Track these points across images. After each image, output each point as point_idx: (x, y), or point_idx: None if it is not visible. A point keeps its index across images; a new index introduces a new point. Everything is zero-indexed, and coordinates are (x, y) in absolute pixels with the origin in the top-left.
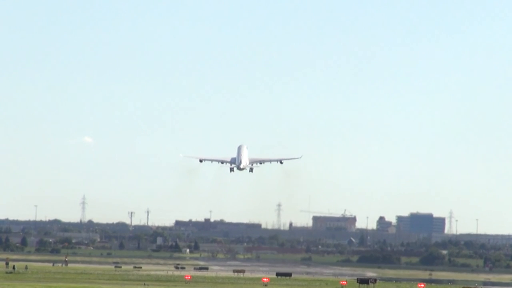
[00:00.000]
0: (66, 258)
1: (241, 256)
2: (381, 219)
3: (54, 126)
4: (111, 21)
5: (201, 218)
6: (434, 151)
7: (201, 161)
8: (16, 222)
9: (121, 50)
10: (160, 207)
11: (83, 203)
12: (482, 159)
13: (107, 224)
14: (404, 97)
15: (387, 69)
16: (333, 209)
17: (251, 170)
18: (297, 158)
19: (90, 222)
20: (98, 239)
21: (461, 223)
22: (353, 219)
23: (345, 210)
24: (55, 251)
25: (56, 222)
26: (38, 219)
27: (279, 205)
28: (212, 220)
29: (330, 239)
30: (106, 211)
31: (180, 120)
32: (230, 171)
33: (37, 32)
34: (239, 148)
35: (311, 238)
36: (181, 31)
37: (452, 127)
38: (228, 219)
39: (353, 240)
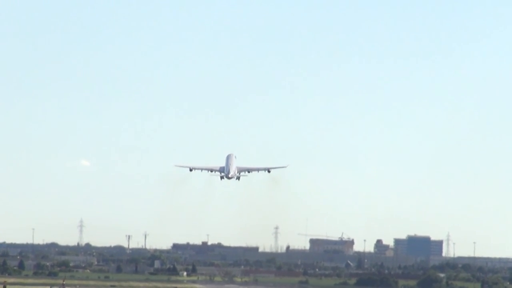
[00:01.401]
0: (63, 281)
1: (239, 279)
2: (379, 242)
3: (51, 150)
4: (105, 45)
5: (198, 242)
6: (431, 174)
7: (191, 170)
8: (14, 246)
9: (115, 74)
10: (158, 230)
11: (81, 226)
12: (479, 182)
13: (105, 247)
14: (401, 120)
15: (384, 93)
16: (331, 232)
17: (237, 178)
18: (284, 167)
19: (87, 245)
20: (96, 262)
21: (459, 246)
22: (351, 242)
23: (342, 233)
24: (52, 275)
25: (53, 245)
26: (35, 242)
27: (276, 228)
28: (209, 243)
29: (327, 262)
30: (104, 234)
31: (172, 130)
32: (221, 179)
33: (35, 55)
34: (228, 157)
35: (308, 261)
36: (171, 42)
37: (449, 150)
38: (225, 242)
39: (351, 263)
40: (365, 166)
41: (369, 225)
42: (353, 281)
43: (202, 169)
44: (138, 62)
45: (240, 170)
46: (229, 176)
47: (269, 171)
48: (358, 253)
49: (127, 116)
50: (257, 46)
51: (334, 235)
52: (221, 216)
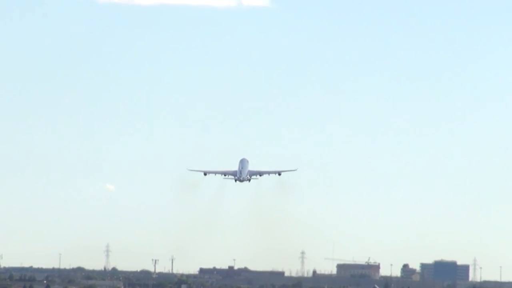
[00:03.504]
0: None
1: None
2: (405, 266)
3: (76, 174)
4: (127, 68)
5: (225, 266)
6: (458, 199)
7: (205, 174)
8: (40, 270)
9: (131, 94)
10: (185, 254)
11: (107, 250)
12: (506, 207)
13: (131, 272)
14: (429, 143)
15: (413, 114)
16: (357, 256)
17: (248, 180)
18: (294, 170)
19: (114, 269)
20: (122, 287)
21: (485, 270)
22: (377, 267)
23: (369, 258)
24: None
25: (80, 270)
26: (62, 267)
27: (302, 252)
28: (236, 267)
29: (354, 287)
30: (130, 259)
31: (185, 138)
32: (235, 181)
33: (60, 80)
34: (241, 161)
35: (335, 286)
36: (184, 46)
37: (476, 175)
38: (251, 267)
39: (378, 287)
40: (391, 190)
41: (395, 250)
42: None
43: (216, 173)
44: (154, 71)
45: (252, 174)
46: (241, 179)
47: (279, 174)
48: (385, 277)
49: (150, 138)
50: (269, 53)
51: (360, 260)
52: (247, 240)
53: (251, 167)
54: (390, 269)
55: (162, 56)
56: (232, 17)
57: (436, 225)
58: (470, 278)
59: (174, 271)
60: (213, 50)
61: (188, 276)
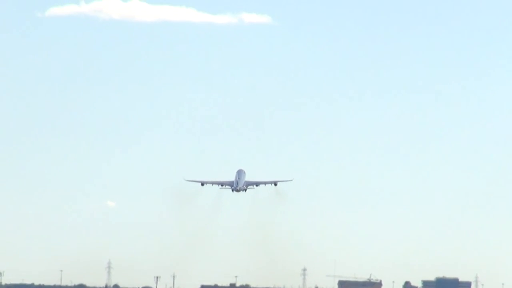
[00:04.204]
0: None
1: None
2: (407, 283)
3: (77, 192)
4: (127, 84)
5: (226, 283)
6: (459, 215)
7: (202, 184)
8: (42, 287)
9: (132, 115)
10: (186, 271)
11: (109, 267)
12: (508, 223)
13: None
14: (432, 159)
15: (415, 131)
16: (359, 273)
17: (245, 190)
18: (290, 181)
19: (115, 286)
20: None
21: (487, 287)
22: (379, 284)
23: (371, 275)
24: None
25: (81, 286)
26: (63, 283)
27: (304, 269)
28: (237, 284)
29: None
30: (132, 276)
31: (183, 149)
32: (232, 191)
33: (60, 97)
34: (238, 172)
35: None
36: (182, 65)
37: (478, 191)
38: (253, 283)
39: None
40: (393, 206)
41: (397, 266)
42: None
43: (213, 183)
44: (155, 87)
45: (248, 184)
46: (238, 189)
47: (275, 184)
48: None
49: (148, 153)
50: (269, 69)
51: (362, 276)
52: (249, 257)
53: (248, 177)
54: (392, 286)
55: (163, 73)
56: (233, 34)
57: (438, 242)
58: None
59: None
60: (213, 66)
61: None
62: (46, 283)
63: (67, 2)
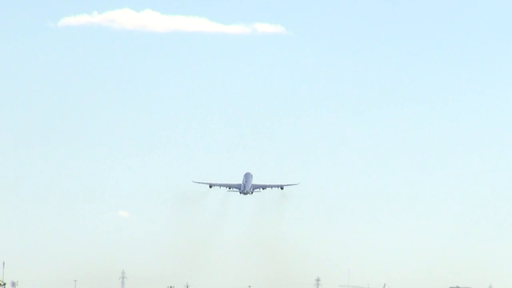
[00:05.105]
0: None
1: None
2: None
3: (90, 202)
4: (140, 94)
5: None
6: (473, 224)
7: (210, 186)
8: None
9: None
10: (199, 280)
11: (122, 277)
12: None
13: None
14: (445, 168)
15: (427, 139)
16: (372, 282)
17: (251, 193)
18: (296, 184)
19: None
20: None
21: None
22: None
23: (384, 284)
24: None
25: None
26: None
27: (317, 279)
28: None
29: None
30: (146, 285)
31: (192, 149)
32: (240, 193)
33: (71, 106)
34: (245, 175)
35: None
36: (195, 74)
37: (491, 199)
38: None
39: None
40: (406, 216)
41: (410, 276)
42: None
43: (221, 186)
44: (167, 97)
45: (255, 187)
46: (245, 191)
47: (282, 188)
48: None
49: (159, 162)
50: (283, 78)
51: (376, 286)
52: (262, 266)
53: (255, 181)
54: None
55: (176, 82)
56: (246, 44)
57: (452, 251)
58: None
59: None
60: (225, 76)
61: None
62: None
63: (80, 12)
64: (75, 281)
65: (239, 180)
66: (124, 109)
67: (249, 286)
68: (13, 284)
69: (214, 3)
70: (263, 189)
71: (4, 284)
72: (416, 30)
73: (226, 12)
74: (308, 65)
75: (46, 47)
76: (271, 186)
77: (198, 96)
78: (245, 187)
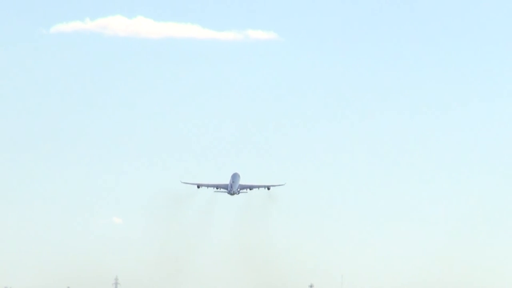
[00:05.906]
0: None
1: None
2: None
3: (83, 208)
4: (133, 101)
5: None
6: (468, 229)
7: (198, 187)
8: None
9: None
10: (191, 286)
11: (116, 283)
12: None
13: None
14: (447, 181)
15: (424, 147)
16: None
17: (238, 193)
18: (282, 185)
19: None
20: None
21: None
22: None
23: None
24: None
25: None
26: None
27: (311, 286)
28: None
29: None
30: None
31: (179, 150)
32: (228, 193)
33: (64, 113)
34: (233, 176)
35: None
36: (188, 81)
37: (487, 208)
38: None
39: None
40: (400, 221)
41: (404, 282)
42: None
43: (208, 186)
44: (160, 103)
45: (242, 188)
46: (232, 192)
47: (268, 189)
48: None
49: (152, 167)
50: (275, 84)
51: None
52: (254, 273)
53: (242, 181)
54: None
55: (168, 89)
56: (239, 50)
57: (446, 258)
58: None
59: None
60: (218, 82)
61: None
62: None
63: (72, 19)
64: (68, 287)
65: (227, 181)
66: (117, 115)
67: None
68: None
69: (207, 10)
70: (250, 189)
71: None
72: (410, 37)
73: (219, 18)
74: (300, 71)
75: (38, 53)
76: (258, 187)
77: (190, 101)
78: (232, 188)
